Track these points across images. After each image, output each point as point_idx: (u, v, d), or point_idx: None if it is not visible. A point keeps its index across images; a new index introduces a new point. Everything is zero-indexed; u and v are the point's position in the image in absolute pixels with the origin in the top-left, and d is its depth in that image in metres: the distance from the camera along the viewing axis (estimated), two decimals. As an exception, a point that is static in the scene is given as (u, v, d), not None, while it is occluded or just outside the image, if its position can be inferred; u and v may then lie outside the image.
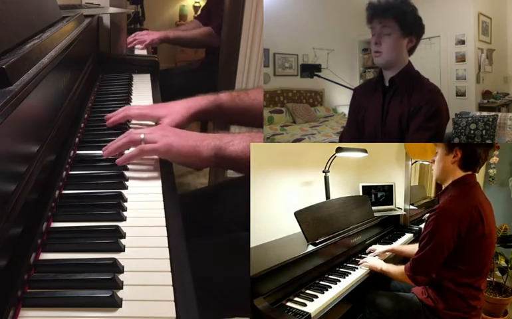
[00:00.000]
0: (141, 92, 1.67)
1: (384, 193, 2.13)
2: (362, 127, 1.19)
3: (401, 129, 1.10)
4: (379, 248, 1.51)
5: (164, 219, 0.88)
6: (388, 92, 1.14)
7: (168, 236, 0.82)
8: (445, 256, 1.11)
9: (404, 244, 1.72)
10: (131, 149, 1.04)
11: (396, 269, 1.26)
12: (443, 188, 1.21)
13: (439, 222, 1.12)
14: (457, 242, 1.10)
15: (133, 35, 2.69)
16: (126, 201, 0.93)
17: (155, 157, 1.08)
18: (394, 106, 1.12)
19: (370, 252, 1.50)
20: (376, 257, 1.44)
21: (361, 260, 1.39)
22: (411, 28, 1.12)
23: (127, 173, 1.03)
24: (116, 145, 1.06)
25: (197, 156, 1.04)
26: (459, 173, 1.18)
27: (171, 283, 0.71)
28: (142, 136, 1.05)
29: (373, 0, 1.14)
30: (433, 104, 1.07)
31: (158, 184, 1.01)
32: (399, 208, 2.11)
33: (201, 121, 1.32)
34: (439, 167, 1.21)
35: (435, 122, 1.06)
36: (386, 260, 1.45)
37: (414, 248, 1.40)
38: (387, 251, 1.49)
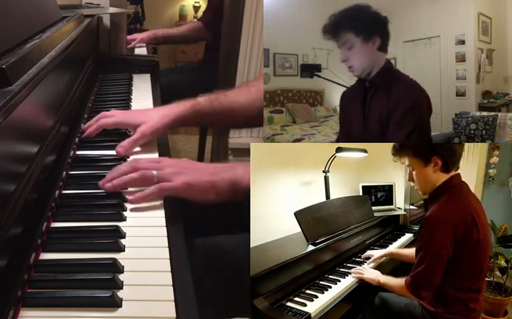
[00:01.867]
0: (141, 92, 1.67)
1: (384, 193, 2.13)
2: (351, 129, 1.19)
3: (383, 128, 1.10)
4: (376, 253, 1.46)
5: (164, 219, 0.88)
6: (369, 93, 1.14)
7: (168, 236, 0.83)
8: (445, 263, 1.08)
9: (404, 244, 1.72)
10: (150, 188, 0.95)
11: (397, 283, 1.20)
12: (430, 196, 1.17)
13: (433, 231, 1.09)
14: (454, 248, 1.07)
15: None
16: (125, 200, 0.93)
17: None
18: (375, 106, 1.12)
19: (366, 258, 1.45)
20: (371, 266, 1.38)
21: (353, 270, 1.31)
22: (369, 29, 1.09)
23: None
24: (123, 181, 0.96)
25: (214, 191, 0.98)
26: (443, 177, 1.15)
27: (171, 283, 0.71)
28: (155, 173, 0.98)
29: (326, 22, 1.12)
30: (411, 98, 1.06)
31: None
32: (399, 208, 2.11)
33: (182, 126, 1.30)
34: (421, 181, 1.18)
35: (414, 117, 1.05)
36: (384, 264, 1.42)
37: (413, 250, 1.38)
38: (384, 255, 1.45)
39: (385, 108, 1.09)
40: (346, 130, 1.22)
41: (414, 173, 1.19)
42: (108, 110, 1.43)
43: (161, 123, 1.19)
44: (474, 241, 1.08)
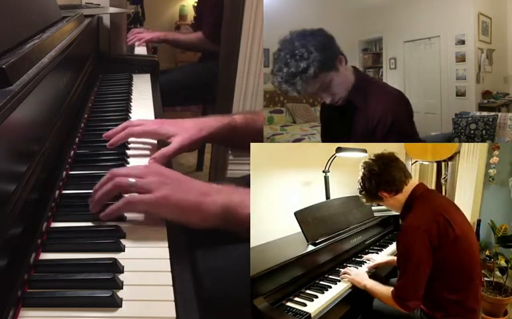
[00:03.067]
0: (141, 92, 1.67)
1: (384, 193, 2.13)
2: (334, 138, 1.20)
3: (367, 140, 1.11)
4: (378, 258, 1.43)
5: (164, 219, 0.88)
6: (348, 109, 1.14)
7: (168, 236, 0.82)
8: (429, 271, 1.07)
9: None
10: (118, 201, 0.84)
11: (383, 291, 1.16)
12: (401, 210, 1.19)
13: (409, 240, 1.08)
14: (433, 252, 1.06)
15: (131, 32, 2.80)
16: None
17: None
18: (355, 123, 1.13)
19: (367, 261, 1.43)
20: (363, 267, 1.36)
21: (342, 271, 1.29)
22: (332, 58, 1.07)
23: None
24: (99, 195, 0.85)
25: (199, 215, 0.85)
26: (403, 196, 1.17)
27: (171, 283, 0.71)
28: (132, 181, 0.85)
29: (281, 81, 1.08)
30: (387, 118, 1.05)
31: (158, 184, 1.00)
32: (399, 208, 2.10)
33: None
34: (391, 207, 1.22)
35: (395, 135, 1.05)
36: (381, 267, 1.41)
37: None
38: (388, 263, 1.41)
39: (365, 129, 1.09)
40: (327, 138, 1.25)
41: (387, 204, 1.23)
42: (108, 110, 1.43)
43: (199, 136, 1.10)
44: (452, 240, 1.07)
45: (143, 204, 0.84)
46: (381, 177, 1.16)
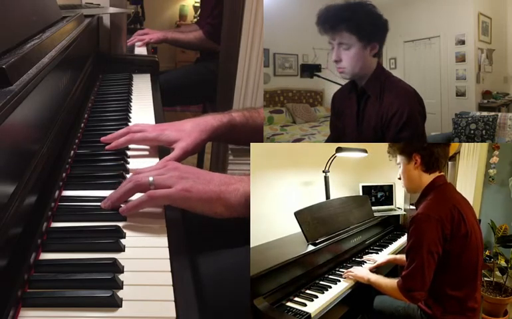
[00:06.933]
0: (141, 92, 1.67)
1: (384, 193, 2.13)
2: (343, 133, 1.19)
3: (377, 137, 1.09)
4: (379, 258, 1.43)
5: (164, 219, 0.88)
6: (362, 99, 1.12)
7: (168, 236, 0.83)
8: (436, 261, 1.07)
9: (404, 244, 1.71)
10: (140, 196, 0.86)
11: (387, 283, 1.16)
12: (418, 198, 1.19)
13: (422, 228, 1.08)
14: (444, 245, 1.06)
15: (137, 33, 2.86)
16: (126, 200, 0.93)
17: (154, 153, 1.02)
18: (368, 114, 1.11)
19: (367, 261, 1.43)
20: (364, 266, 1.36)
21: (345, 271, 1.28)
22: (371, 36, 1.04)
23: (127, 175, 1.03)
24: (119, 194, 0.87)
25: (223, 204, 0.86)
26: (426, 178, 1.17)
27: (171, 283, 0.71)
28: (151, 179, 0.87)
29: (321, 11, 1.05)
30: (404, 112, 1.04)
31: (158, 184, 1.00)
32: (399, 208, 2.11)
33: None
34: (405, 177, 1.21)
35: (409, 131, 1.04)
36: (382, 266, 1.40)
37: None
38: (388, 261, 1.41)
39: (379, 121, 1.08)
40: (338, 134, 1.22)
41: (400, 170, 1.22)
42: (108, 110, 1.43)
43: (201, 139, 1.11)
44: (462, 235, 1.08)
45: (165, 198, 0.86)
46: (432, 145, 1.17)
